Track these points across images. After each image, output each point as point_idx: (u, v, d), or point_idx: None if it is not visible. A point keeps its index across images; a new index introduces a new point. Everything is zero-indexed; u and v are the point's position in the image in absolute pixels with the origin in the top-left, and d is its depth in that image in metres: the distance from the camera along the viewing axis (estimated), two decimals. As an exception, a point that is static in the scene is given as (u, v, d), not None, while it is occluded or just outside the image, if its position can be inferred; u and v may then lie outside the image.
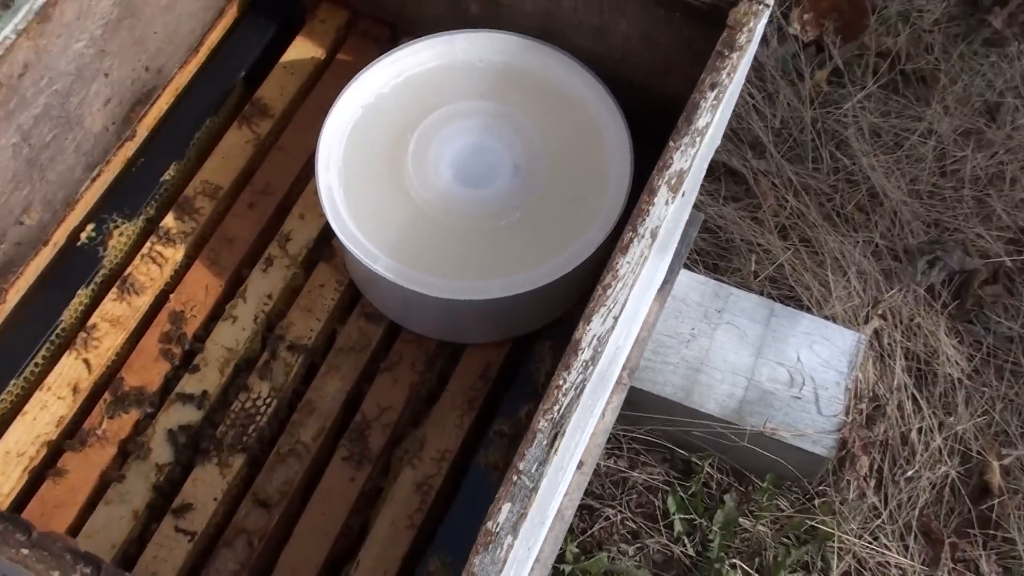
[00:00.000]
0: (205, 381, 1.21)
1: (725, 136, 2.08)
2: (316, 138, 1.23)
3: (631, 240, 1.01)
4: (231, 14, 1.47)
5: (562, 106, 1.27)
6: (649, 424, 1.75)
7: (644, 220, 1.02)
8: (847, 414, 1.70)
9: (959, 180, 2.09)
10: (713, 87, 1.09)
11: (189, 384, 1.21)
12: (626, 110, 1.25)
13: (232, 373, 1.22)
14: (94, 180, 1.34)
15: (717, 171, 2.07)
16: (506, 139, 1.24)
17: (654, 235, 1.01)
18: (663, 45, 1.27)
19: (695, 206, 1.89)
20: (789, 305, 1.86)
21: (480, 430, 1.20)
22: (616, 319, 0.98)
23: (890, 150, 2.13)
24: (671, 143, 1.05)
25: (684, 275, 1.78)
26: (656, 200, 1.03)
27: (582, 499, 1.73)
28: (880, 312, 1.90)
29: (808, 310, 1.88)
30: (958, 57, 2.25)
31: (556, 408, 0.93)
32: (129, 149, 1.36)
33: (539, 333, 1.26)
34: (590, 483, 1.80)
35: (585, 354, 0.96)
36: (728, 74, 1.10)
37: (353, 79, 1.25)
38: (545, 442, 0.92)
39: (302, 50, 1.43)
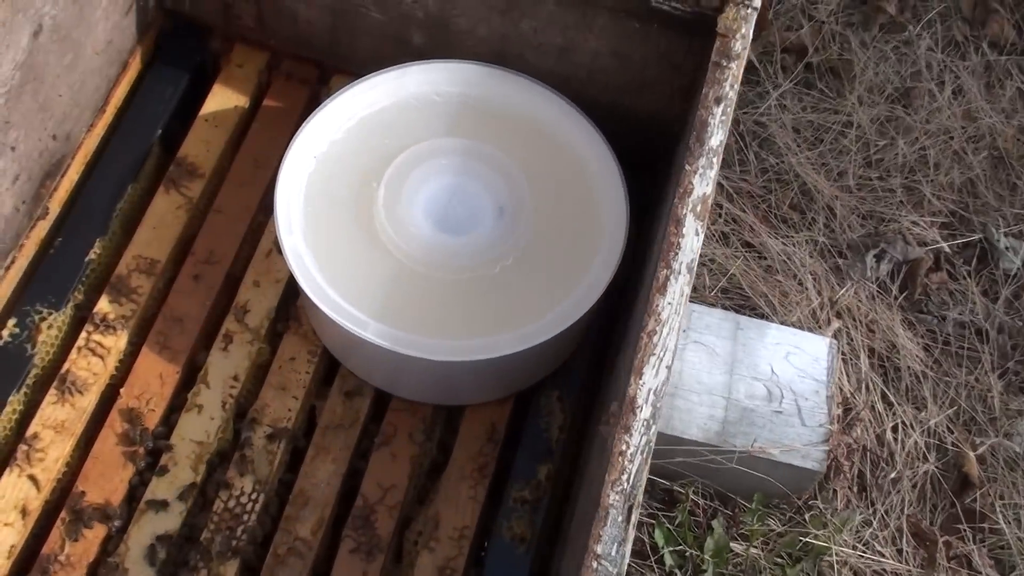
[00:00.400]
0: (178, 482, 1.06)
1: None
2: (255, 195, 1.10)
3: (667, 278, 0.91)
4: (135, 66, 1.32)
5: (536, 136, 1.17)
6: (626, 458, 1.66)
7: (677, 254, 0.92)
8: (832, 423, 1.63)
9: (885, 169, 2.07)
10: (719, 101, 1.00)
11: (159, 488, 1.05)
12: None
13: (207, 470, 1.07)
14: (8, 269, 1.16)
15: (649, 184, 2.00)
16: (483, 178, 1.12)
17: (690, 270, 0.91)
18: (637, 60, 1.17)
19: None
20: (750, 315, 1.79)
21: (496, 499, 1.08)
22: (669, 368, 0.87)
23: (813, 145, 2.09)
24: (688, 167, 0.96)
25: (641, 297, 1.69)
26: (686, 231, 0.93)
27: (563, 546, 1.63)
28: (836, 312, 1.85)
29: (767, 319, 1.81)
30: (860, 46, 2.24)
31: (625, 478, 0.82)
32: (43, 228, 1.19)
33: (543, 383, 1.15)
34: (567, 528, 1.69)
35: (644, 412, 0.85)
36: (731, 85, 1.01)
37: (300, 128, 1.12)
38: (620, 518, 0.81)
39: (222, 99, 1.29)
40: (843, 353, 1.80)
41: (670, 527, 1.66)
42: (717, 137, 0.97)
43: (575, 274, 1.09)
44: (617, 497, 0.81)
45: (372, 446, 1.10)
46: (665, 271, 0.91)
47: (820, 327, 1.81)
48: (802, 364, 1.66)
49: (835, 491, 1.70)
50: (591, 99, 1.21)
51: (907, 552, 1.68)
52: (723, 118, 0.99)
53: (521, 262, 1.10)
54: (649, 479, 1.69)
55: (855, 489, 1.72)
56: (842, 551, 1.66)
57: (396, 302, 1.06)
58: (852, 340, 1.83)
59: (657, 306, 0.89)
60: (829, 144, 2.09)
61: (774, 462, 1.59)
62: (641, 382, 0.86)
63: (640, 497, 0.82)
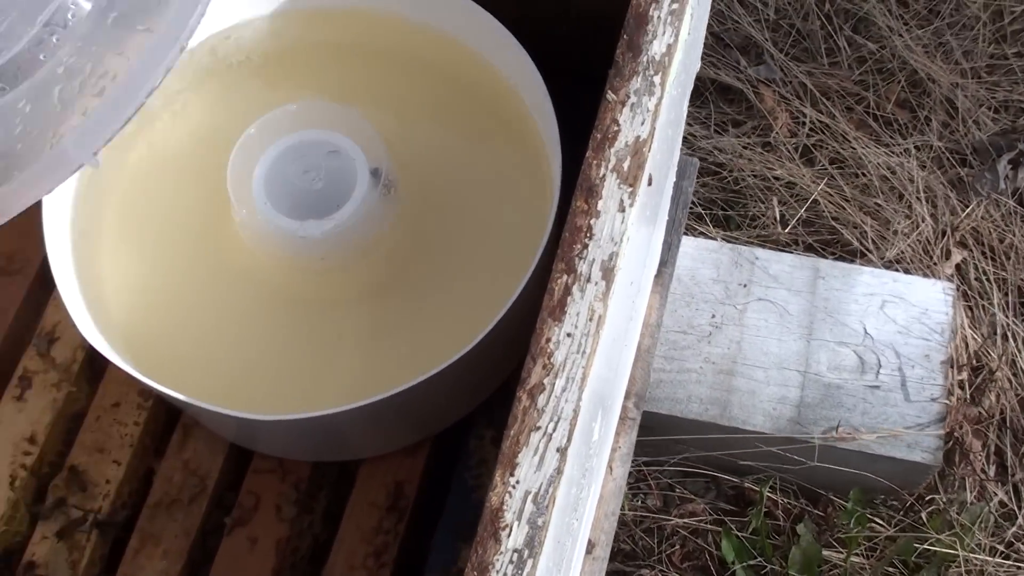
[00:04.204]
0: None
1: (704, 44, 1.59)
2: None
3: (566, 290, 0.53)
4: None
5: (415, 57, 0.79)
6: (678, 452, 1.29)
7: (585, 247, 0.54)
8: (951, 394, 1.22)
9: (1024, 42, 1.59)
10: (668, -27, 0.60)
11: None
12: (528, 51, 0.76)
13: (-7, 575, 0.76)
14: None
15: (704, 91, 1.57)
16: (346, 129, 0.75)
17: (608, 272, 0.53)
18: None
19: (683, 146, 1.41)
20: (838, 256, 1.38)
21: (401, 597, 0.74)
22: (563, 450, 0.50)
23: (926, 20, 1.62)
24: (609, 96, 0.57)
25: (687, 243, 1.30)
26: (602, 206, 0.55)
27: (608, 564, 1.28)
28: (958, 240, 1.41)
29: (863, 256, 1.39)
30: None
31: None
32: None
33: (471, 418, 0.79)
34: (615, 536, 1.34)
35: (514, 537, 0.49)
36: (693, -61, 0.61)
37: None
38: None
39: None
40: (967, 295, 1.36)
41: (742, 536, 1.29)
42: (662, 39, 0.58)
43: (483, 268, 0.72)
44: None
45: (223, 528, 0.76)
46: (564, 278, 0.53)
47: (934, 265, 1.38)
48: (907, 319, 1.24)
49: (962, 479, 1.29)
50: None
51: (1067, 557, 1.27)
52: (674, 6, 0.59)
53: (412, 246, 0.74)
54: (711, 476, 1.32)
55: (991, 474, 1.30)
56: (976, 557, 1.26)
57: (233, 336, 0.72)
58: (981, 275, 1.39)
59: (547, 341, 0.52)
60: (948, 17, 1.62)
61: (870, 454, 1.20)
62: (512, 480, 0.49)
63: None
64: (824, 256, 1.40)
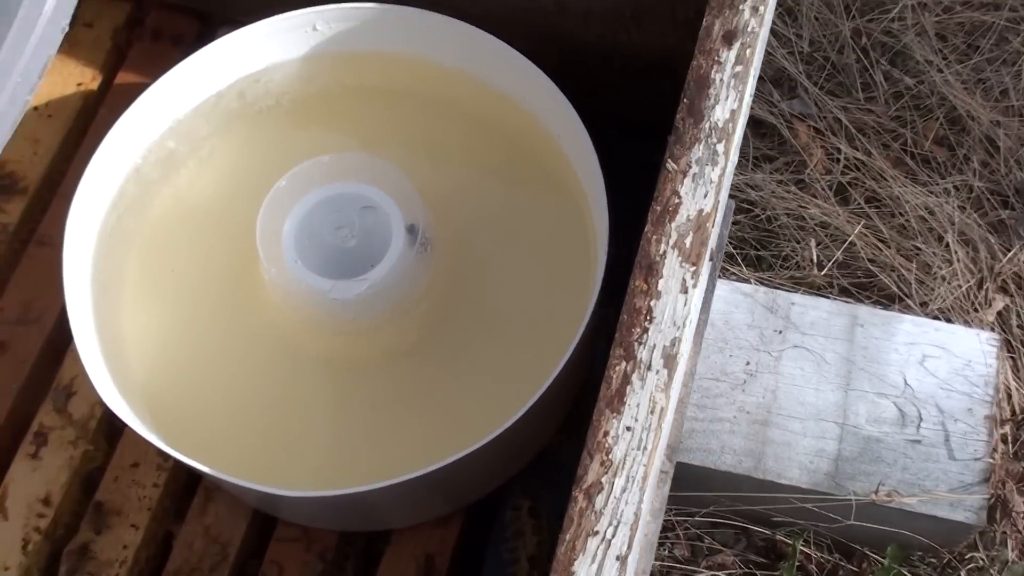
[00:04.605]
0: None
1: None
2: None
3: (626, 379, 0.49)
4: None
5: (451, 104, 0.76)
6: (709, 505, 1.24)
7: (646, 332, 0.50)
8: (995, 450, 1.17)
9: (1067, 79, 1.55)
10: (730, 39, 0.56)
11: None
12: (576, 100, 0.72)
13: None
14: None
15: (740, 126, 1.53)
16: (383, 182, 0.72)
17: (670, 360, 0.49)
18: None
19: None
20: (874, 301, 1.34)
21: None
22: (623, 558, 0.46)
23: (965, 55, 1.58)
24: (669, 165, 0.53)
25: (721, 286, 1.25)
26: (663, 287, 0.51)
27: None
28: (999, 284, 1.37)
29: (901, 301, 1.35)
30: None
31: None
32: None
33: (507, 487, 0.75)
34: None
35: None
36: (755, 8, 0.57)
37: (117, 121, 0.73)
38: None
39: (59, 76, 0.91)
40: (1009, 345, 1.32)
41: (773, 592, 1.24)
42: (725, 105, 0.54)
43: (534, 318, 0.68)
44: None
45: (244, 599, 0.73)
46: (623, 365, 0.49)
47: (976, 311, 1.33)
48: (949, 371, 1.20)
49: (1003, 537, 1.24)
50: (562, 38, 0.79)
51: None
52: (738, 69, 0.55)
53: (447, 305, 0.70)
54: (742, 527, 1.27)
55: (1034, 531, 1.25)
56: (1018, 620, 1.21)
57: (255, 401, 0.68)
58: (1024, 322, 1.34)
59: (604, 435, 0.48)
60: (988, 52, 1.57)
61: (910, 512, 1.15)
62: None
63: None
64: (860, 300, 1.35)
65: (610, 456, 0.48)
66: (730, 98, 0.54)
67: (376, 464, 0.66)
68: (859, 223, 1.40)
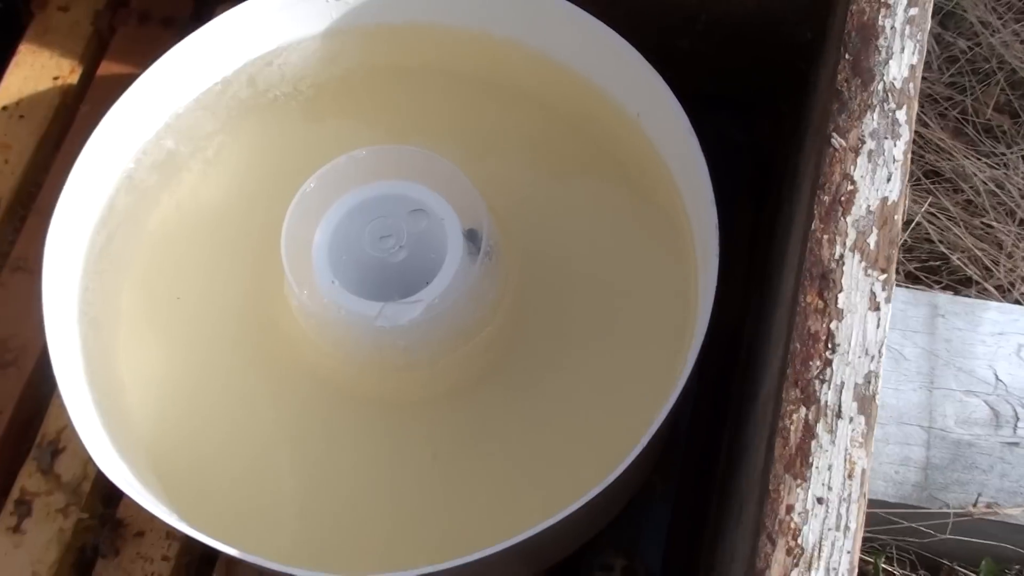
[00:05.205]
0: None
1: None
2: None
3: (807, 438, 0.36)
4: None
5: (506, 84, 0.63)
6: (779, 521, 1.12)
7: (827, 367, 0.37)
8: (1100, 453, 1.05)
9: None
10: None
11: None
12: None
13: None
14: None
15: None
16: (439, 184, 0.59)
17: (866, 403, 0.36)
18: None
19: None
20: (945, 285, 1.21)
21: None
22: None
23: (1022, 14, 1.46)
24: (835, 141, 0.40)
25: (782, 278, 1.13)
26: (844, 302, 0.38)
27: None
28: (1081, 262, 1.25)
29: (976, 285, 1.22)
30: None
31: None
32: None
33: (599, 540, 0.62)
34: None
35: None
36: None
37: (103, 118, 0.60)
38: None
39: (34, 69, 0.78)
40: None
41: (854, 615, 1.12)
42: (905, 57, 0.41)
43: (623, 345, 0.55)
44: None
45: None
46: (802, 412, 0.36)
47: (1060, 291, 1.21)
48: (1044, 362, 1.07)
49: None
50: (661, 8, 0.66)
51: None
52: (915, 13, 0.42)
53: (515, 331, 0.57)
54: (816, 546, 1.15)
55: None
56: (1125, 634, 1.10)
57: (284, 458, 0.55)
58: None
59: (788, 511, 0.35)
60: (1046, 8, 1.45)
61: (1012, 524, 1.03)
62: None
63: None
64: (930, 287, 1.23)
65: (799, 541, 0.35)
66: (906, 50, 0.41)
67: (442, 530, 0.53)
68: (926, 202, 1.27)
